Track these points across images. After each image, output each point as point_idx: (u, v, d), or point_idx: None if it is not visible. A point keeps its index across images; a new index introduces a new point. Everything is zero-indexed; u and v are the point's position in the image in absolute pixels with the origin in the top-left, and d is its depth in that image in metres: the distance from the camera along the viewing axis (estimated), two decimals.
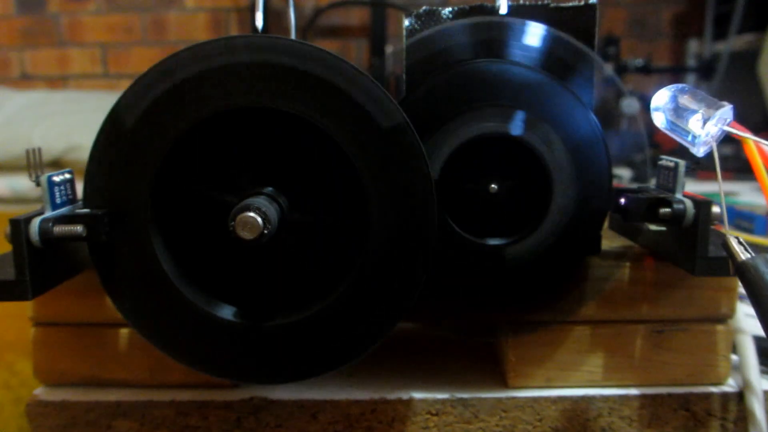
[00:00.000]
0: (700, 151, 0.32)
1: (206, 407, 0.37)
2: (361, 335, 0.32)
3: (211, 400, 0.37)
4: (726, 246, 0.29)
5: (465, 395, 0.37)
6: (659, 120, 0.33)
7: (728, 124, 0.31)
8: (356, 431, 0.37)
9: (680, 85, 0.33)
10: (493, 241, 0.36)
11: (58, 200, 0.33)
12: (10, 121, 1.44)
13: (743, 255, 0.28)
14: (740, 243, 0.29)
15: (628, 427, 0.38)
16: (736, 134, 0.30)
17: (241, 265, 0.34)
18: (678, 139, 0.33)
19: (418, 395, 0.37)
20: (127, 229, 0.31)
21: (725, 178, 0.31)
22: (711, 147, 0.31)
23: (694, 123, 0.31)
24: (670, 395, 0.38)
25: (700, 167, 0.35)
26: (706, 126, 0.31)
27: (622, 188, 0.37)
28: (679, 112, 0.32)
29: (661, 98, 0.33)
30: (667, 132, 0.33)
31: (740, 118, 0.32)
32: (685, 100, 0.32)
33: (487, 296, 0.37)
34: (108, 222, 0.31)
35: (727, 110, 0.31)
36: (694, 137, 0.31)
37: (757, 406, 0.37)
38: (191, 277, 0.33)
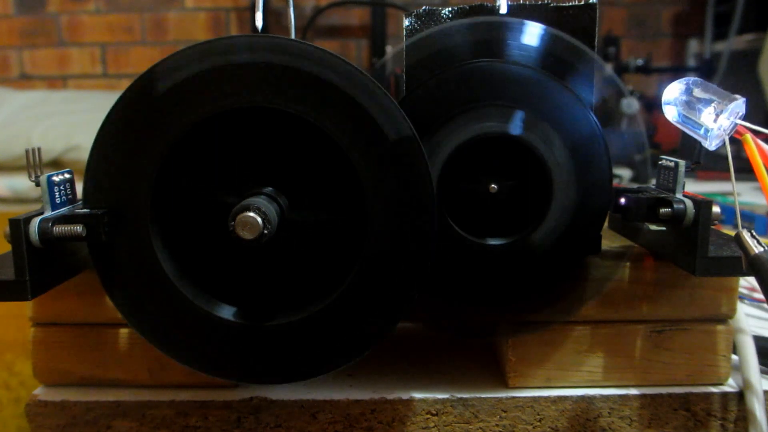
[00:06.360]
0: (712, 145, 0.31)
1: (206, 407, 0.37)
2: (361, 335, 0.32)
3: (211, 400, 0.37)
4: (739, 239, 0.29)
5: (465, 395, 0.37)
6: (671, 113, 0.33)
7: (741, 117, 0.31)
8: (356, 431, 0.37)
9: (692, 78, 0.33)
10: (493, 241, 0.36)
11: (57, 200, 0.33)
12: (10, 121, 1.44)
13: (756, 248, 0.28)
14: (753, 236, 0.29)
15: (628, 427, 0.38)
16: (749, 128, 0.30)
17: (241, 265, 0.34)
18: (690, 133, 0.32)
19: (418, 395, 0.37)
20: (127, 229, 0.31)
21: (725, 178, 0.31)
22: (723, 140, 0.31)
23: (706, 116, 0.31)
24: (670, 395, 0.38)
25: (700, 167, 0.35)
26: (719, 119, 0.31)
27: (622, 188, 0.37)
28: (691, 105, 0.32)
29: (674, 91, 0.33)
30: (679, 125, 0.33)
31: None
32: (697, 93, 0.32)
33: (487, 296, 0.37)
34: (108, 222, 0.31)
35: (739, 103, 0.31)
36: (707, 130, 0.31)
37: (757, 406, 0.37)
38: (191, 277, 0.33)
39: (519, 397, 0.37)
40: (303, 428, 0.37)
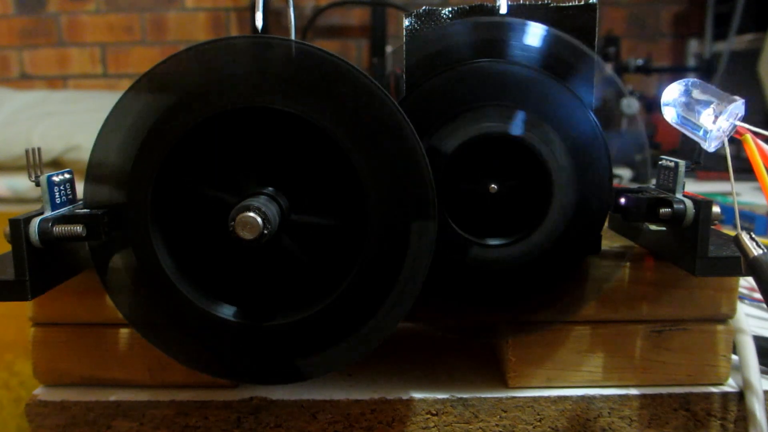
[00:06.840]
0: (711, 146, 0.31)
1: (206, 407, 0.37)
2: (362, 335, 0.32)
3: (211, 400, 0.37)
4: (738, 242, 0.29)
5: (465, 395, 0.37)
6: (670, 115, 0.33)
7: (740, 119, 0.30)
8: (356, 431, 0.37)
9: (691, 80, 0.32)
10: (493, 241, 0.36)
11: (57, 200, 0.33)
12: (10, 121, 1.43)
13: (755, 251, 0.28)
14: (752, 239, 0.29)
15: (628, 427, 0.38)
16: (749, 129, 0.30)
17: (241, 264, 0.34)
18: (689, 134, 0.32)
19: (418, 395, 0.37)
20: (127, 229, 0.31)
21: (725, 178, 0.31)
22: (722, 142, 0.31)
23: (705, 118, 0.31)
24: (670, 395, 0.38)
25: (700, 167, 0.35)
26: (718, 121, 0.31)
27: (622, 188, 0.37)
28: (690, 106, 0.32)
29: (673, 93, 0.33)
30: (678, 127, 0.33)
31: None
32: (696, 95, 0.32)
33: (487, 296, 0.37)
34: (108, 222, 0.31)
35: (738, 105, 0.31)
36: (706, 132, 0.31)
37: (757, 406, 0.37)
38: (191, 277, 0.33)
39: (519, 397, 0.37)
40: (303, 428, 0.37)
